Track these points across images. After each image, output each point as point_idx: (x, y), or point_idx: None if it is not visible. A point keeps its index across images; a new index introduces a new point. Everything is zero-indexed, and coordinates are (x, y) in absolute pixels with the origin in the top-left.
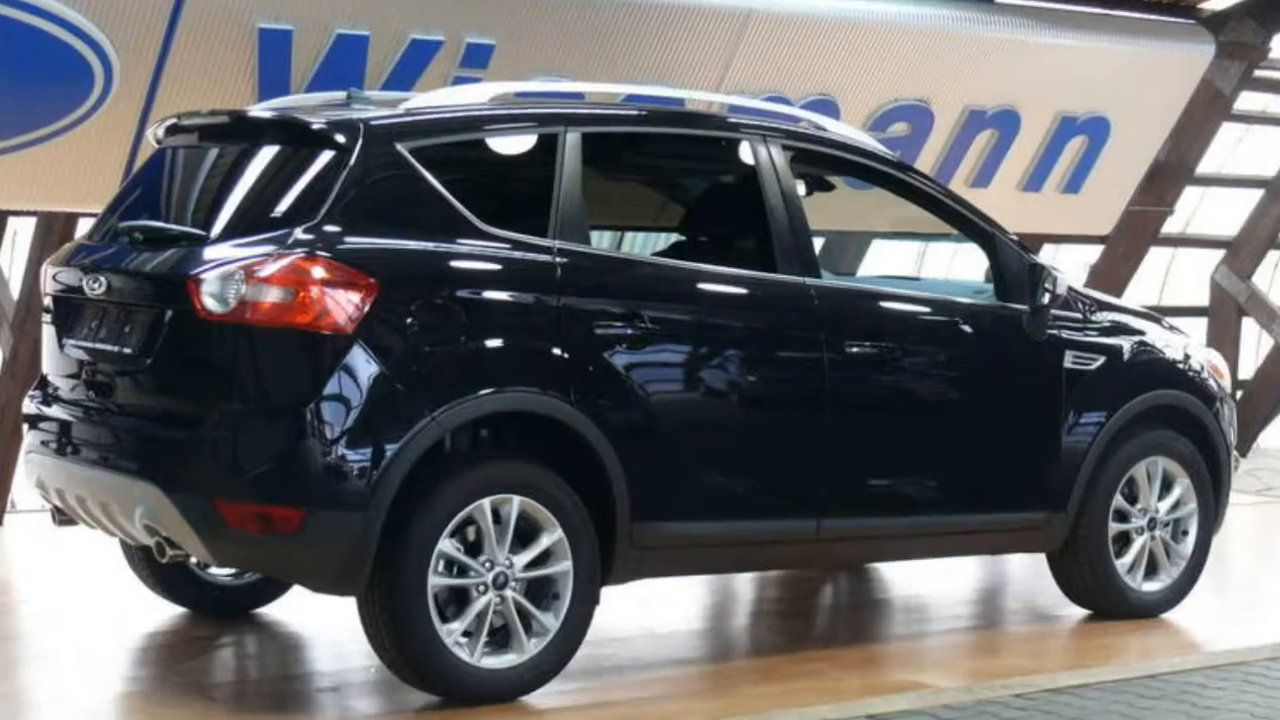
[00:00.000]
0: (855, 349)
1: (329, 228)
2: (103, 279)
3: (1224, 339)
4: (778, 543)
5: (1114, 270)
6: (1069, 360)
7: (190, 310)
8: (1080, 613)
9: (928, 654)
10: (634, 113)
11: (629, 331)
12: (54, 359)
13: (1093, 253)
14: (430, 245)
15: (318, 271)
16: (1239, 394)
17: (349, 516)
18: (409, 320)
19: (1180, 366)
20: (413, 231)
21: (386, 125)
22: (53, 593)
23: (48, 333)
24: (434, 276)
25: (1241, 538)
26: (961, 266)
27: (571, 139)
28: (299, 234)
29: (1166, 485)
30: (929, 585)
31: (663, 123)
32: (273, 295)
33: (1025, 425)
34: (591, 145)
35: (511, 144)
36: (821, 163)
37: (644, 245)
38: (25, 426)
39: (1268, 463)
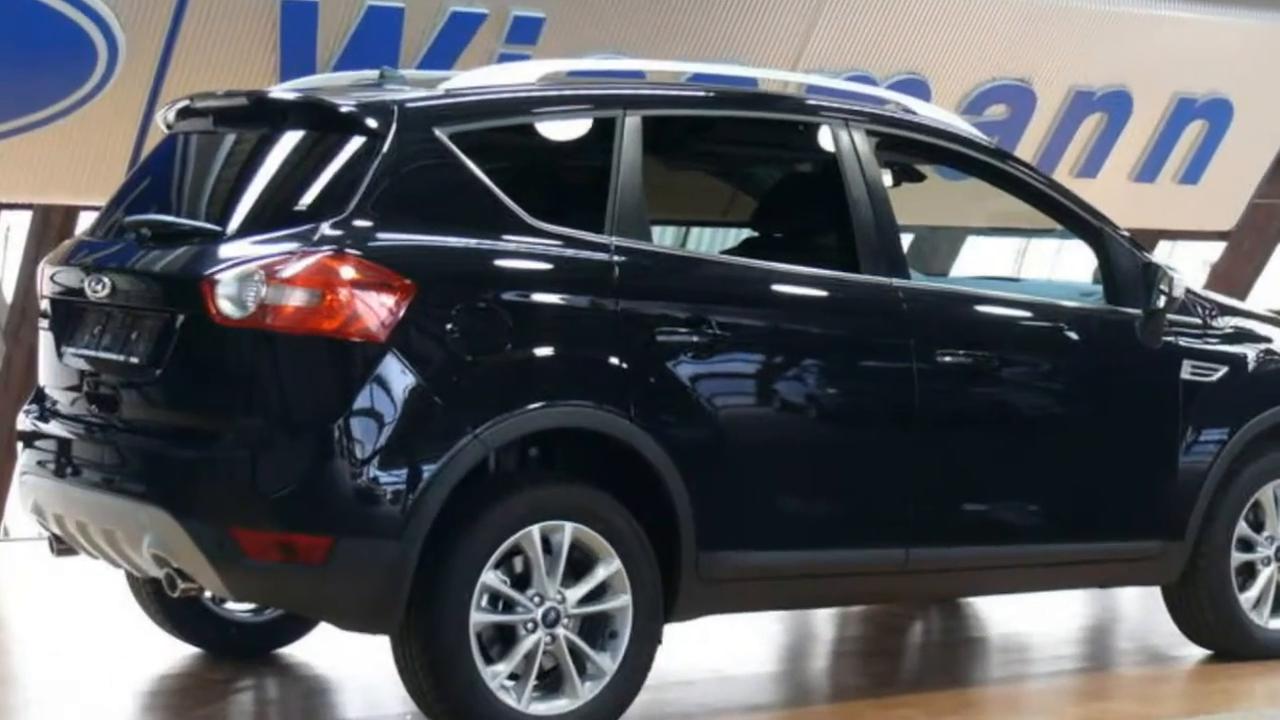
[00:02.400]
0: (948, 358)
1: (359, 223)
2: (106, 280)
3: None
4: (861, 574)
5: (1237, 269)
6: (1187, 371)
7: (204, 315)
8: (1199, 653)
9: (1029, 699)
10: (701, 94)
11: (695, 339)
12: (52, 369)
13: (1213, 250)
14: (473, 242)
15: (347, 271)
16: None
17: (382, 545)
18: (448, 326)
19: None
20: (453, 227)
21: (424, 108)
22: (51, 631)
23: (45, 340)
24: (477, 277)
25: None
26: (1067, 266)
27: (630, 123)
28: (326, 230)
29: None
30: (1030, 622)
31: (733, 105)
32: (296, 298)
33: (1138, 443)
34: (653, 131)
35: (563, 129)
36: (910, 150)
37: (711, 243)
38: (20, 445)
39: None
